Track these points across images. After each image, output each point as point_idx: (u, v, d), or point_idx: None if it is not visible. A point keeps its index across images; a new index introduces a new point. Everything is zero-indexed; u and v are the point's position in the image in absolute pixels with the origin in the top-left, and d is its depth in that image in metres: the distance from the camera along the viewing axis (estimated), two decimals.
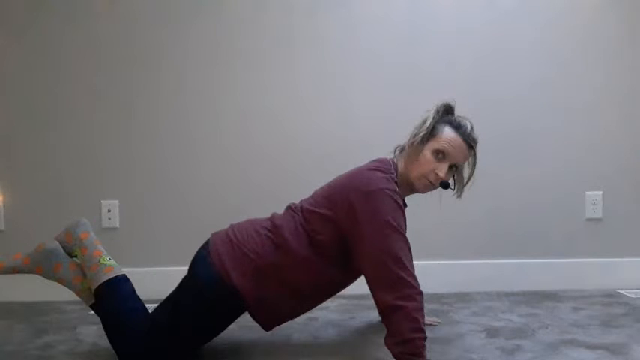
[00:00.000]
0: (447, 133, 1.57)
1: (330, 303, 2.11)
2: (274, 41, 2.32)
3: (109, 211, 2.30)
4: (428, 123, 1.57)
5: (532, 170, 2.39)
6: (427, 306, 1.53)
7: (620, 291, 2.32)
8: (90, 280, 1.57)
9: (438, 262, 2.34)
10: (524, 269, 2.37)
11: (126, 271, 1.60)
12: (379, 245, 1.44)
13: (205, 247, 1.56)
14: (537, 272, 2.37)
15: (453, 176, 1.66)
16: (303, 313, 1.65)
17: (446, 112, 1.62)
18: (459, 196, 1.68)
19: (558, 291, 2.33)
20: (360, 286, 1.60)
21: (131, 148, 2.30)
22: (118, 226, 2.30)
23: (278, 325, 1.61)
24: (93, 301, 1.57)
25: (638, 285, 2.37)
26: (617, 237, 2.42)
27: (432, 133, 1.57)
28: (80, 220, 1.68)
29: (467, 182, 1.66)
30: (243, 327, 1.75)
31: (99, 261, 1.57)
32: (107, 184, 2.30)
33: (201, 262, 1.53)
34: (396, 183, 1.53)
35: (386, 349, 1.42)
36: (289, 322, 1.66)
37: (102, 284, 1.54)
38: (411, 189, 1.62)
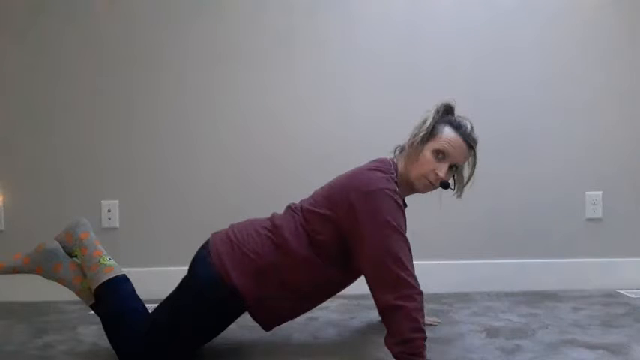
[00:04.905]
0: (447, 133, 1.57)
1: (330, 303, 2.11)
2: (274, 41, 2.33)
3: (109, 211, 2.30)
4: (428, 123, 1.57)
5: (532, 170, 2.39)
6: (427, 306, 1.53)
7: (620, 291, 2.32)
8: (90, 280, 1.57)
9: (438, 262, 2.34)
10: (524, 269, 2.37)
11: (126, 271, 1.60)
12: (379, 245, 1.44)
13: (205, 247, 1.56)
14: (537, 272, 2.37)
15: (453, 176, 1.66)
16: (303, 313, 1.65)
17: (446, 112, 1.62)
18: (459, 196, 1.68)
19: (558, 291, 2.33)
20: (360, 286, 1.59)
21: (131, 148, 2.31)
22: (118, 226, 2.30)
23: (278, 325, 1.61)
24: (93, 301, 1.57)
25: (638, 285, 2.37)
26: (617, 237, 2.41)
27: (432, 133, 1.57)
28: (80, 220, 1.68)
29: (467, 182, 1.66)
30: (243, 327, 1.75)
31: (99, 261, 1.57)
32: (107, 184, 2.30)
33: (201, 262, 1.53)
34: (396, 183, 1.53)
35: (386, 349, 1.42)
36: (289, 322, 1.66)
37: (102, 284, 1.54)
38: (411, 189, 1.62)
